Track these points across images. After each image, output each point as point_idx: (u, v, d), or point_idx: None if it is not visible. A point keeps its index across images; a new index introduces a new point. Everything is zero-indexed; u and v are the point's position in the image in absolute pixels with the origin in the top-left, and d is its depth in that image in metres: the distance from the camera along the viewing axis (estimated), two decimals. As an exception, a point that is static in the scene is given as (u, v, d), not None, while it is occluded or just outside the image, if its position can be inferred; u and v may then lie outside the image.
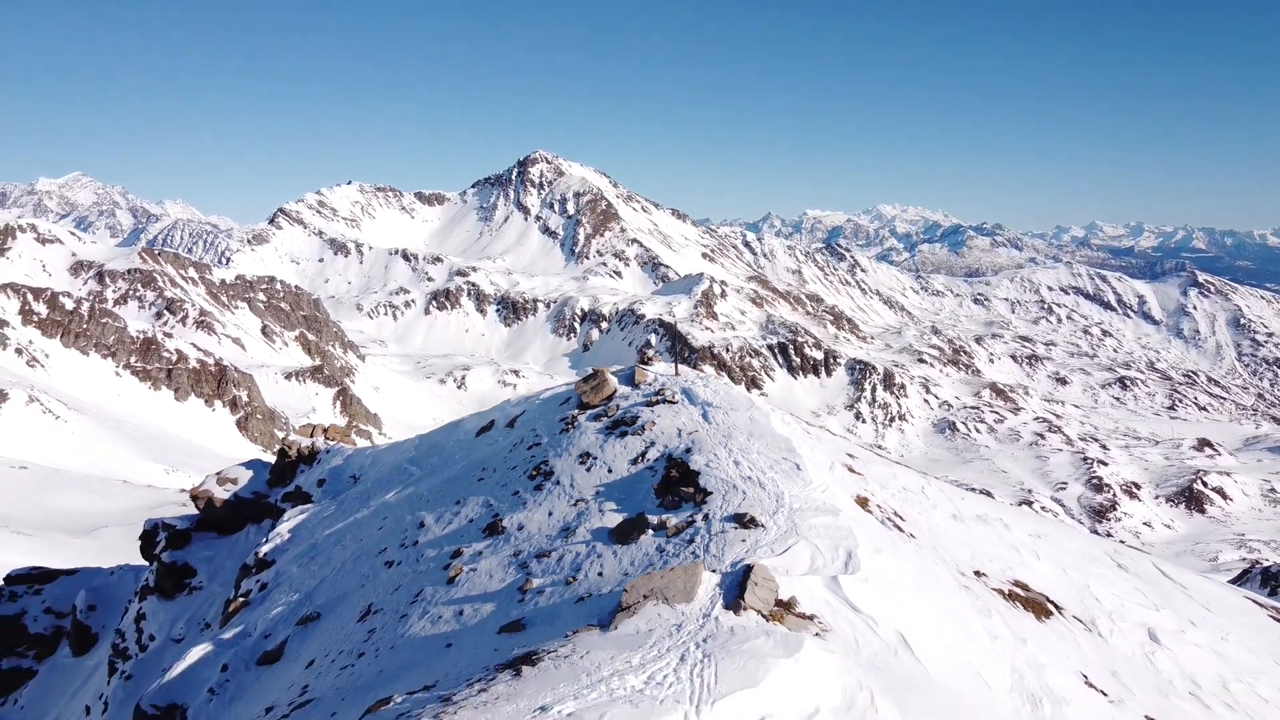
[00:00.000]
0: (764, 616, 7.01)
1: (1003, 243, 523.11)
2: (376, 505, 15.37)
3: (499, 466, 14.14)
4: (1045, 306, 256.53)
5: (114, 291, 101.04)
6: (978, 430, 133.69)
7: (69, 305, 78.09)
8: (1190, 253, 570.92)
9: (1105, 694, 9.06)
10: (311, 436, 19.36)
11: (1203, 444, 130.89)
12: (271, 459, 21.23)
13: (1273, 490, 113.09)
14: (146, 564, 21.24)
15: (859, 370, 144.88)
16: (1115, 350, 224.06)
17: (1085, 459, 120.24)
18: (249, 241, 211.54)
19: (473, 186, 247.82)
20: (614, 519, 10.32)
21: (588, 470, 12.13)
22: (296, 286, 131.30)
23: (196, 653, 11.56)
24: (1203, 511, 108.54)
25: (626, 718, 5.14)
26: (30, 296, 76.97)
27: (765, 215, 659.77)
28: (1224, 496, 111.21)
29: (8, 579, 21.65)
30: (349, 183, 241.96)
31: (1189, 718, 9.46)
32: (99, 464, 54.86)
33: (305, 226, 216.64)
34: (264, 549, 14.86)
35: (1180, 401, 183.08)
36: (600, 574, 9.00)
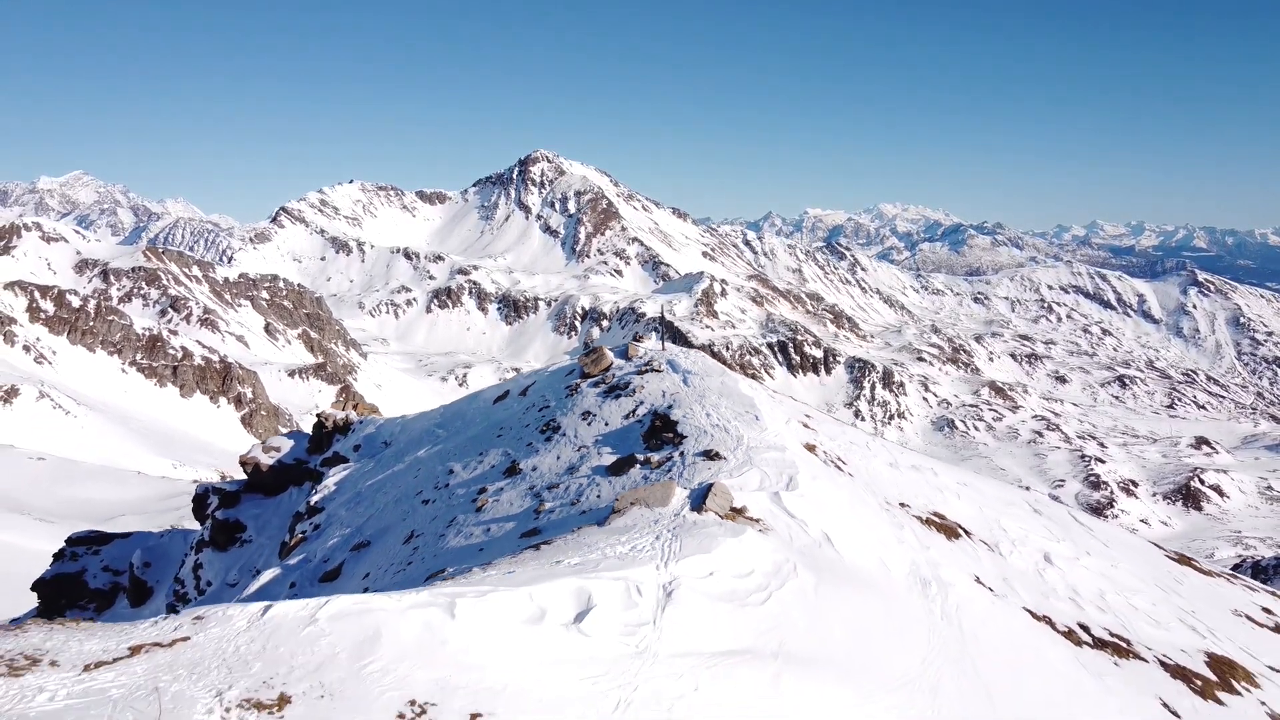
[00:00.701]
0: (720, 516, 9.14)
1: (1003, 242, 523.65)
2: (410, 460, 17.43)
3: (515, 425, 16.33)
4: (1045, 305, 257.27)
5: (118, 289, 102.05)
6: (976, 428, 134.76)
7: (75, 303, 79.16)
8: (1191, 252, 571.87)
9: (991, 590, 11.06)
10: (344, 410, 21.15)
11: (1200, 442, 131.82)
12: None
13: (1270, 488, 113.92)
14: (189, 531, 22.80)
15: (858, 368, 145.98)
16: (1115, 349, 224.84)
17: (1083, 456, 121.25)
18: (251, 240, 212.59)
19: (474, 185, 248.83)
20: (609, 459, 12.50)
21: (589, 424, 14.36)
22: (299, 285, 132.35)
23: (267, 575, 12.99)
24: (1199, 509, 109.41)
25: (616, 565, 7.39)
26: (37, 294, 78.05)
27: (766, 214, 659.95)
28: (1221, 494, 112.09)
29: (69, 541, 23.29)
30: (350, 181, 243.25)
31: (1062, 613, 11.49)
32: (109, 458, 55.82)
33: (307, 225, 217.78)
34: (314, 498, 16.60)
35: (1179, 400, 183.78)
36: (598, 497, 11.20)
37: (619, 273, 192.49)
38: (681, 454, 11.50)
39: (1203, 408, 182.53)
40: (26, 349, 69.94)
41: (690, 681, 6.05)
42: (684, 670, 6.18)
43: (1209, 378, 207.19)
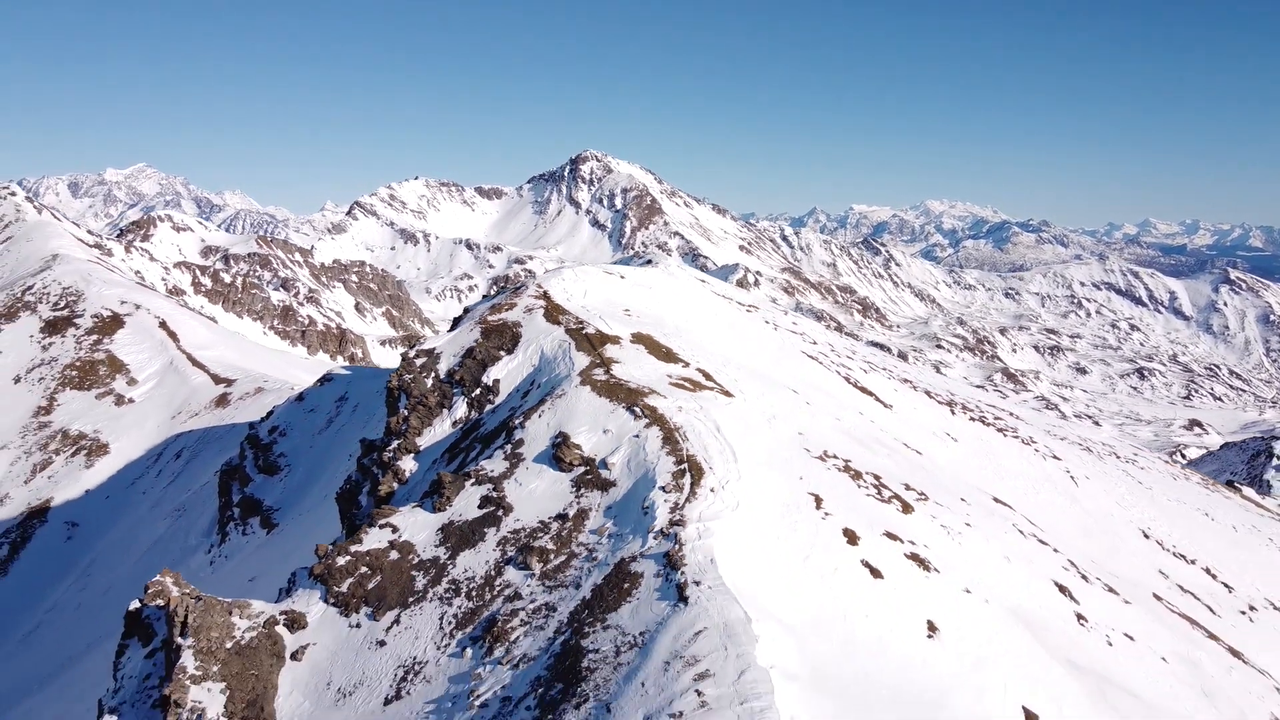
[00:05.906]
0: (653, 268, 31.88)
1: (1048, 239, 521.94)
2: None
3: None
4: (1075, 301, 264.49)
5: (237, 272, 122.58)
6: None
7: (227, 279, 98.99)
8: (1246, 251, 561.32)
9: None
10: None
11: (1192, 424, 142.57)
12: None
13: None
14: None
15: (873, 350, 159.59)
16: (1141, 344, 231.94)
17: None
18: (329, 230, 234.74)
19: (528, 182, 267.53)
20: (643, 264, 35.79)
21: (639, 261, 39.76)
22: (383, 270, 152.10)
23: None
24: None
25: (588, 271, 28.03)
26: (198, 272, 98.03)
27: (811, 210, 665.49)
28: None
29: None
30: (416, 178, 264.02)
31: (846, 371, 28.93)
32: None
33: (378, 218, 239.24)
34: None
35: (1196, 391, 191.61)
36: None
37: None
38: (654, 265, 36.70)
39: (1219, 399, 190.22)
40: (196, 313, 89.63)
41: (638, 292, 28.65)
42: (639, 288, 28.98)
43: (1232, 372, 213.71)
